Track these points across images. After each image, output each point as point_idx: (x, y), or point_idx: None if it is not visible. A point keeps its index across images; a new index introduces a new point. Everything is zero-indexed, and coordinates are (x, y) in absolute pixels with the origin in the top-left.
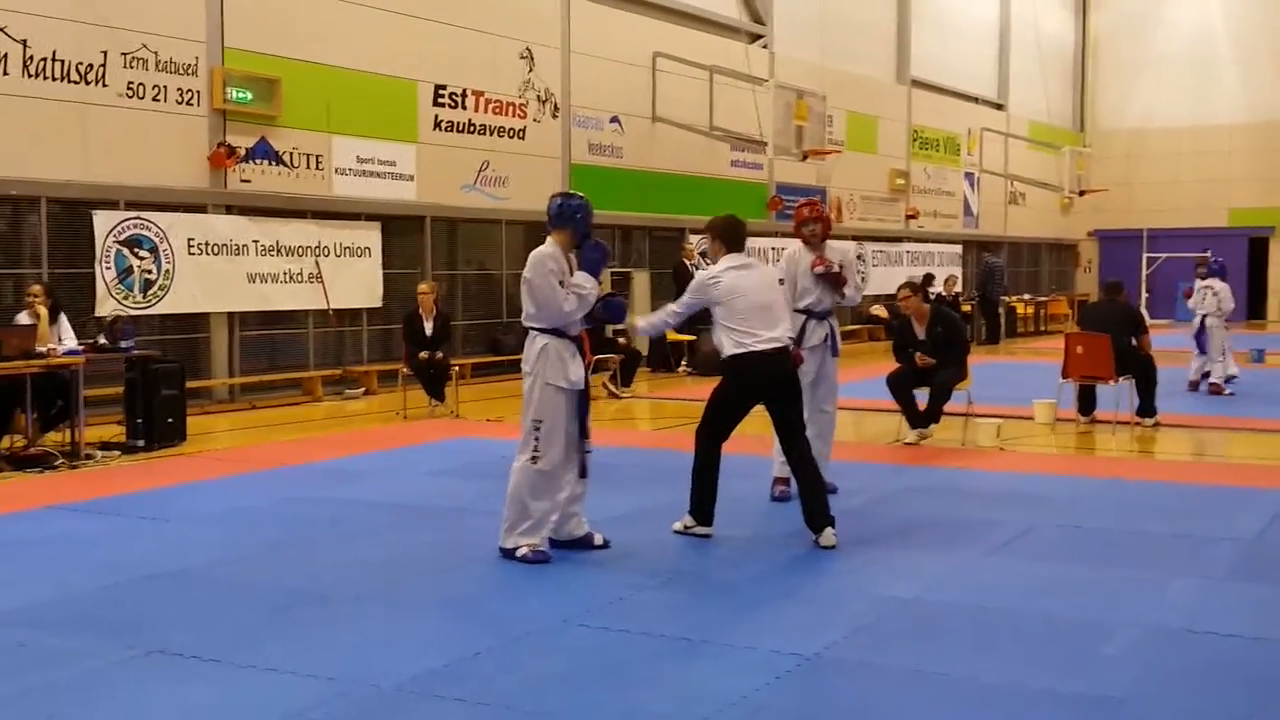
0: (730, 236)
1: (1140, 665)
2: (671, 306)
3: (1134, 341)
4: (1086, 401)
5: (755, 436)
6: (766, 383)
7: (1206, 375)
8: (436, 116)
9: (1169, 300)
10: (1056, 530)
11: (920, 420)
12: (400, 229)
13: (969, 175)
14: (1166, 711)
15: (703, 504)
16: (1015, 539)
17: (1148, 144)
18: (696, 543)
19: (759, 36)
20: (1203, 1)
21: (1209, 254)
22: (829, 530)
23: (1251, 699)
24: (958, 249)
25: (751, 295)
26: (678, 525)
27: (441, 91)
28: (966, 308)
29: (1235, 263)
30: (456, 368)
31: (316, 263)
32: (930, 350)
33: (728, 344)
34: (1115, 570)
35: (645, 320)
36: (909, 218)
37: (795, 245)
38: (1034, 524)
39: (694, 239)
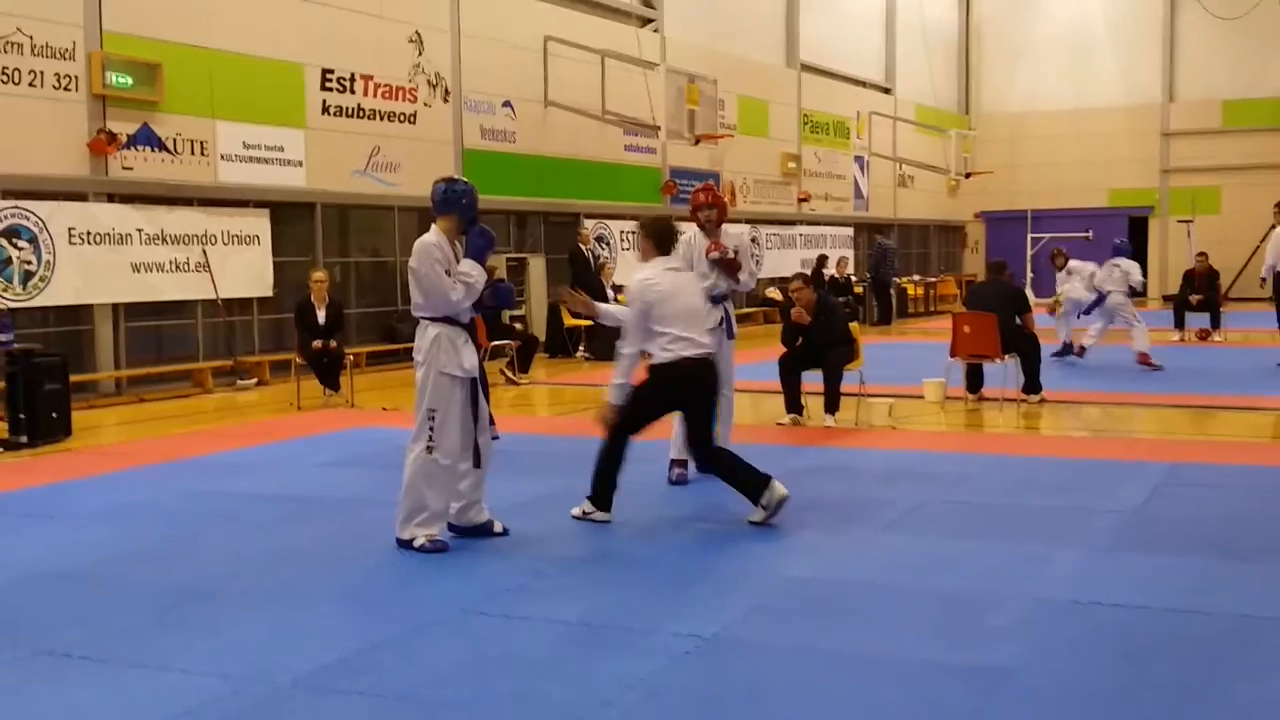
0: (663, 238)
1: (1027, 636)
2: (623, 342)
3: (1018, 320)
4: (974, 379)
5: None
6: (695, 389)
7: (1069, 346)
8: (325, 101)
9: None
10: (946, 506)
11: (797, 406)
12: (290, 216)
13: (859, 159)
14: (1052, 680)
15: (605, 491)
16: (906, 516)
17: (1030, 127)
18: (595, 528)
19: (650, 20)
20: None
21: (1089, 234)
22: (774, 483)
23: (1134, 667)
24: (849, 231)
25: (683, 298)
26: (576, 511)
27: (329, 75)
28: (859, 289)
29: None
30: (350, 357)
31: (204, 251)
32: (817, 338)
33: (655, 349)
34: (1002, 544)
35: (617, 379)
36: (801, 201)
37: (691, 230)
38: (924, 501)
39: (589, 224)
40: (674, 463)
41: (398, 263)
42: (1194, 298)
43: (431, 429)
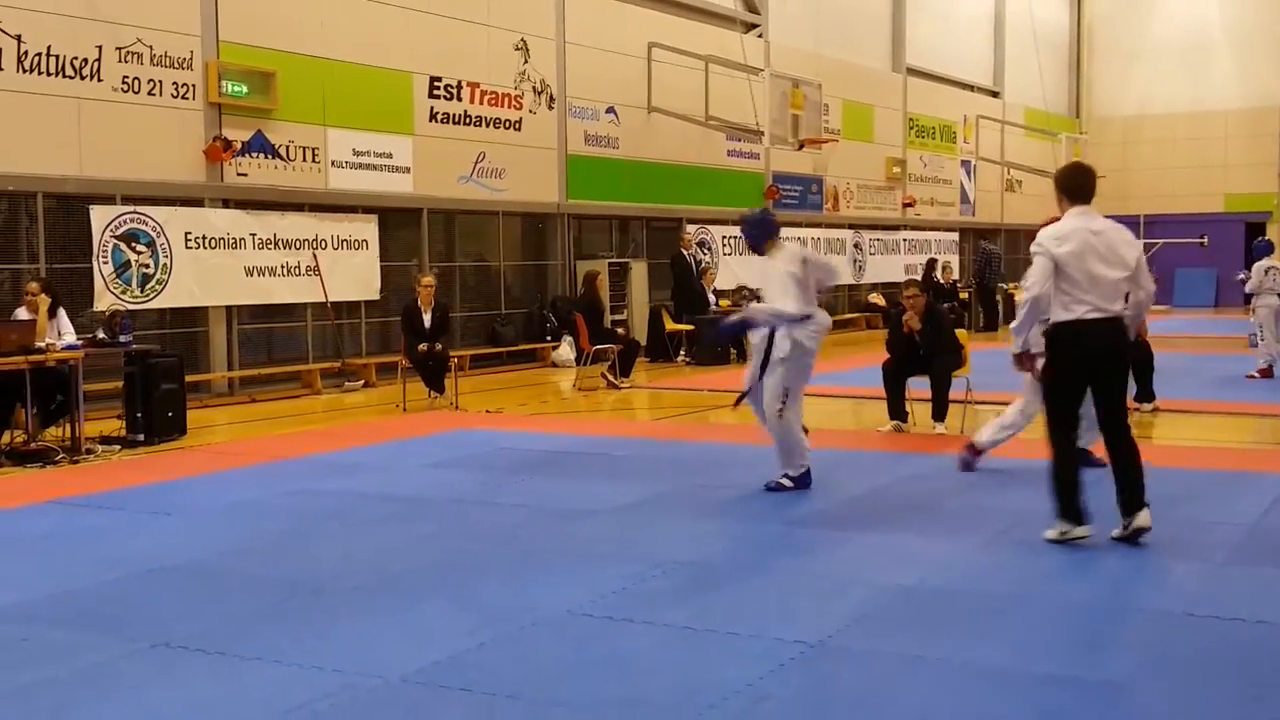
0: (1080, 190)
1: (1142, 650)
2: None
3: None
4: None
5: (741, 425)
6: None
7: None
8: (432, 108)
9: (1165, 285)
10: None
11: (901, 413)
12: (397, 221)
13: (965, 163)
14: (1167, 696)
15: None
16: (1016, 524)
17: (1144, 130)
18: (698, 532)
19: (754, 26)
20: None
21: (1204, 239)
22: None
23: (1252, 684)
24: (954, 237)
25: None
26: (1052, 534)
27: (437, 83)
28: (964, 295)
29: (1233, 247)
30: (455, 360)
31: (314, 255)
32: (924, 344)
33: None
34: (1116, 555)
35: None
36: (906, 206)
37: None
38: (1034, 509)
39: (691, 229)
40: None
41: (502, 267)
42: None
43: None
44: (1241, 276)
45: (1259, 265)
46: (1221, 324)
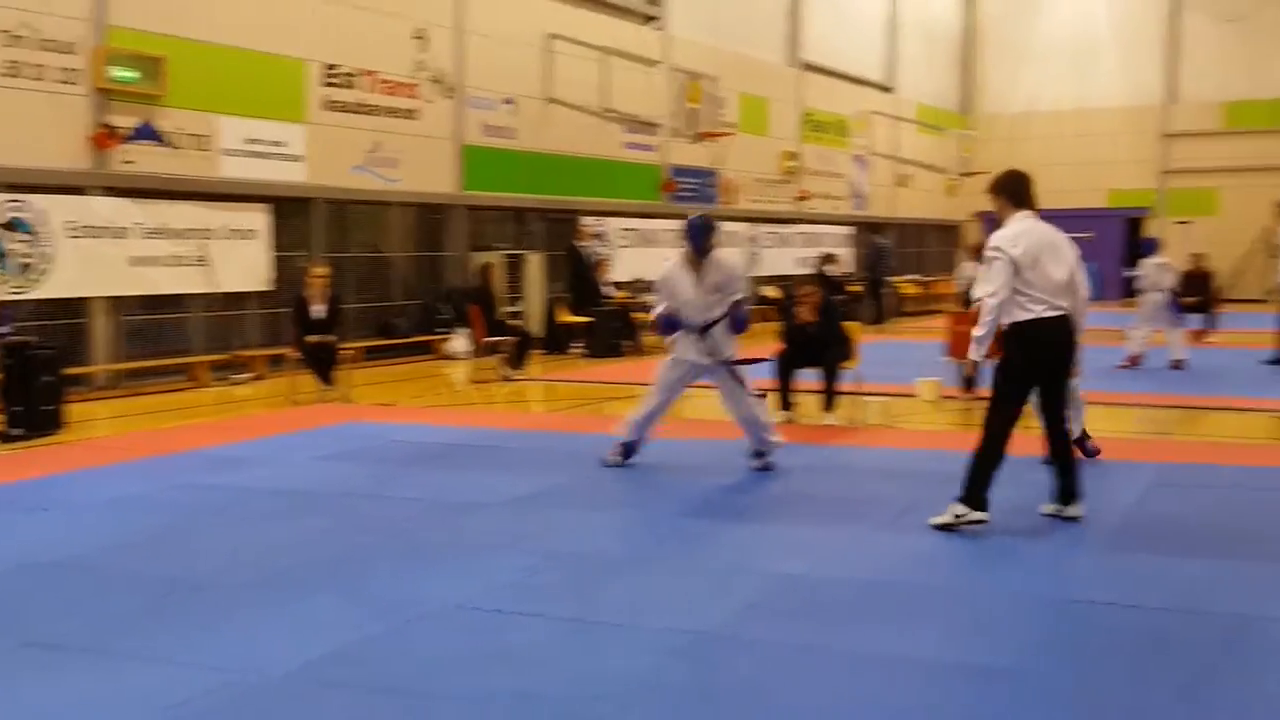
0: (1025, 196)
1: (1023, 635)
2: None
3: None
4: (969, 379)
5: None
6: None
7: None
8: (327, 96)
9: None
10: (940, 504)
11: (789, 404)
12: (289, 210)
13: (858, 157)
14: (1048, 680)
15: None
16: (901, 514)
17: (1031, 127)
18: (591, 524)
19: (653, 18)
20: None
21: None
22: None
23: (1126, 667)
24: (847, 230)
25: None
26: (943, 519)
27: (332, 71)
28: (855, 289)
29: (1115, 242)
30: (348, 351)
31: (203, 245)
32: (815, 337)
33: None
34: (996, 542)
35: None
36: (800, 199)
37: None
38: (919, 499)
39: (588, 221)
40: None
41: (396, 258)
42: (1189, 299)
43: None
44: (1137, 273)
45: (1150, 262)
46: (1104, 317)
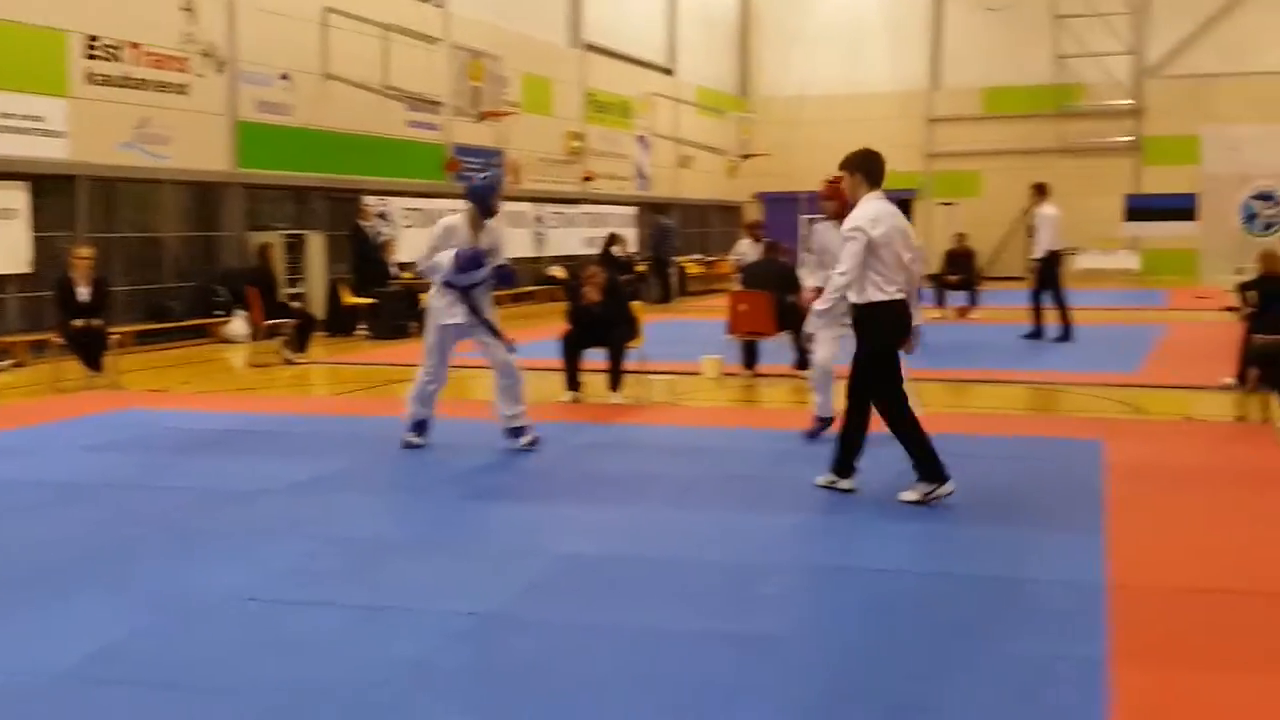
0: (878, 174)
1: (796, 603)
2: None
3: (791, 298)
4: (750, 356)
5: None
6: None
7: None
8: (90, 70)
9: None
10: (721, 480)
11: (576, 384)
12: (51, 189)
13: (641, 138)
14: (817, 645)
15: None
16: (684, 490)
17: (805, 111)
18: (373, 508)
19: None
20: None
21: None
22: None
23: (890, 628)
24: (632, 211)
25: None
26: (822, 480)
27: (94, 43)
28: (641, 268)
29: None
30: (117, 336)
31: None
32: (601, 317)
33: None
34: (773, 515)
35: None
36: (585, 180)
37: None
38: (701, 475)
39: (371, 200)
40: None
41: (169, 238)
42: (952, 277)
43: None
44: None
45: None
46: None
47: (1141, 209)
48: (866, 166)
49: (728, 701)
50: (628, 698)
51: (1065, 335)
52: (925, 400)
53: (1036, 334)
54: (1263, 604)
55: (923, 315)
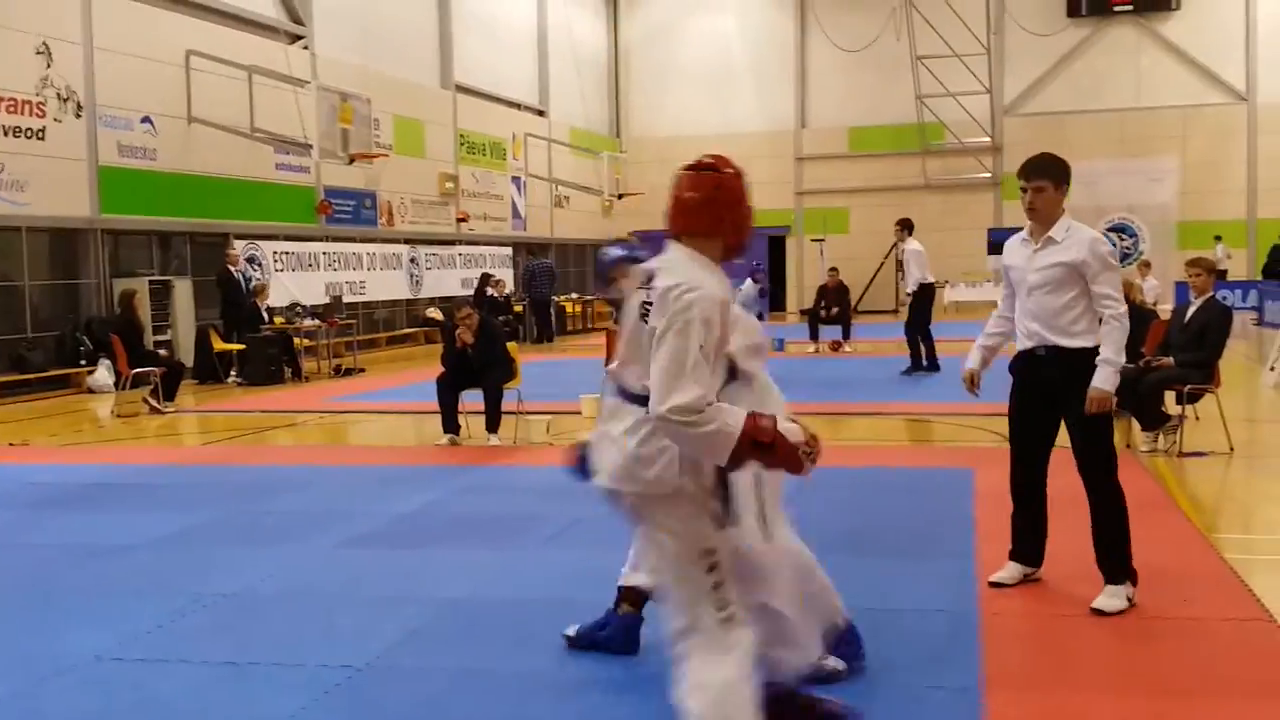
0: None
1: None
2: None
3: None
4: None
5: (295, 446)
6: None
7: None
8: None
9: None
10: (602, 519)
11: (454, 426)
12: None
13: (516, 179)
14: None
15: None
16: (564, 530)
17: (677, 150)
18: (243, 561)
19: (299, 37)
20: (719, 17)
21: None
22: None
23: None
24: (508, 251)
25: None
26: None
27: None
28: (518, 309)
29: (761, 259)
30: None
31: None
32: (476, 358)
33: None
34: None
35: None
36: (460, 221)
37: None
38: (581, 515)
39: (239, 244)
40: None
41: (27, 287)
42: (826, 311)
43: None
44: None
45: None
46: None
47: (1003, 242)
48: None
49: None
50: None
51: (932, 365)
52: None
53: (916, 366)
54: (1130, 624)
55: None
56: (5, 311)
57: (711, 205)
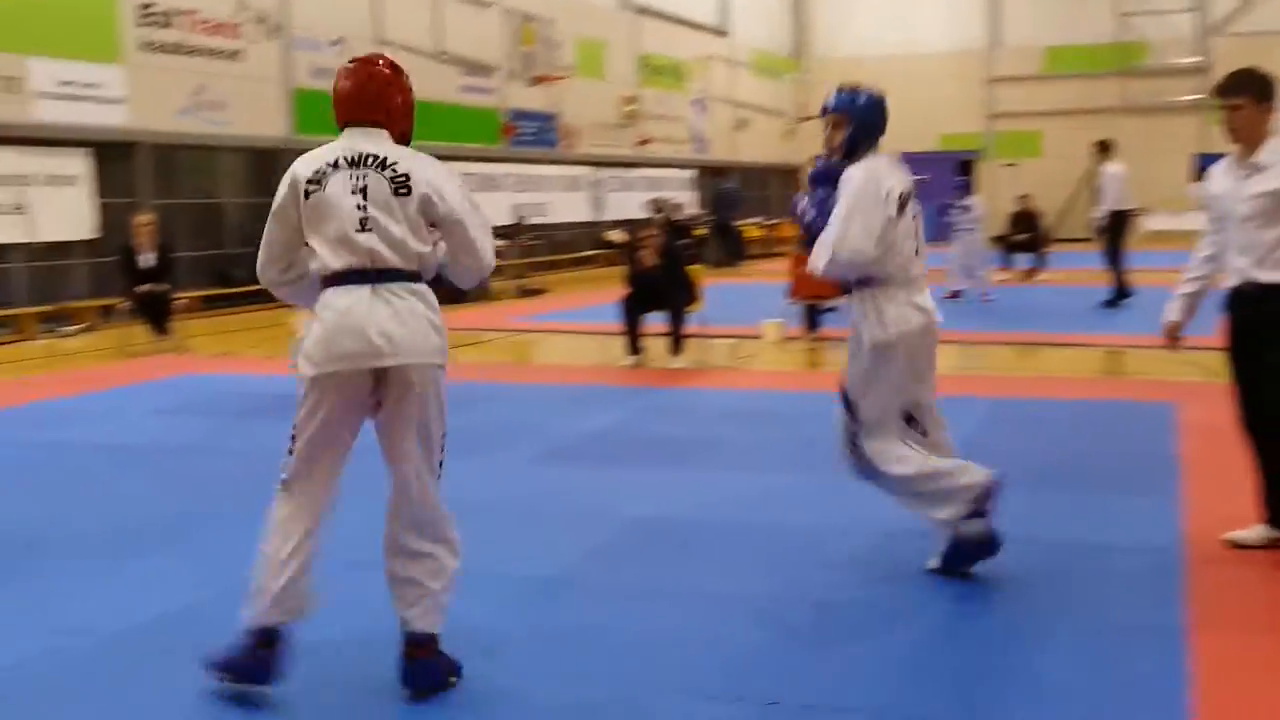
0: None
1: (864, 568)
2: None
3: None
4: (813, 320)
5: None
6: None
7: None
8: (144, 37)
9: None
10: (784, 443)
11: (637, 349)
12: (113, 155)
13: (697, 102)
14: (897, 611)
15: None
16: (746, 453)
17: (862, 72)
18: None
19: None
20: None
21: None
22: None
23: (978, 597)
24: (689, 174)
25: None
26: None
27: (147, 10)
28: (701, 231)
29: (947, 184)
30: (184, 301)
31: (20, 193)
32: (660, 281)
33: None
34: (839, 478)
35: None
36: (641, 144)
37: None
38: (763, 439)
39: None
40: None
41: (229, 204)
42: (1017, 239)
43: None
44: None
45: (962, 203)
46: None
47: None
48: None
49: (795, 664)
50: (690, 660)
51: (1122, 295)
52: (993, 364)
53: (1120, 296)
54: None
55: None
56: (209, 228)
57: None
